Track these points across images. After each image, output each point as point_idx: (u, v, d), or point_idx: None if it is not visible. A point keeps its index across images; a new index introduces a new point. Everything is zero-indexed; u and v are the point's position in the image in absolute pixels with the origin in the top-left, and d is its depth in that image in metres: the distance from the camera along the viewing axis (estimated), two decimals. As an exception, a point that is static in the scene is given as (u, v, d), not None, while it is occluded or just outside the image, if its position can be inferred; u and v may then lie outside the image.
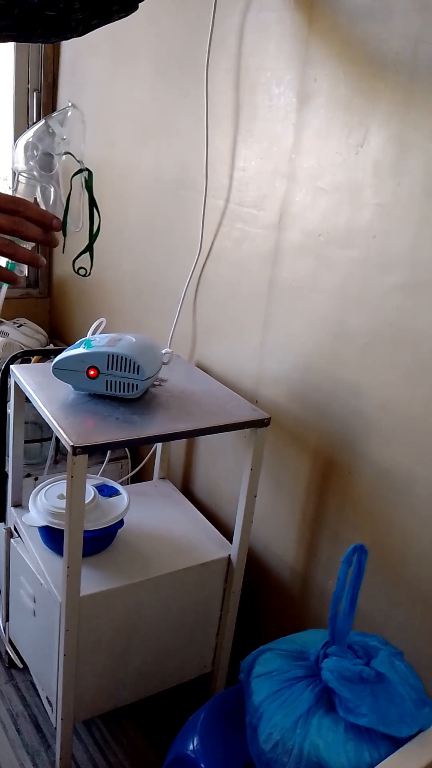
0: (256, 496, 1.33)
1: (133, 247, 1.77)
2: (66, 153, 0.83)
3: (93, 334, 1.37)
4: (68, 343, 2.18)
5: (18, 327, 2.09)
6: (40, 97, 2.05)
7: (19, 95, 2.04)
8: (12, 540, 1.47)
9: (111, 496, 1.42)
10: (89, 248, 0.90)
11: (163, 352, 1.44)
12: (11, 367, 1.41)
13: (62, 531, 1.25)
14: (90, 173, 0.87)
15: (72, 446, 1.09)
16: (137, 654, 1.39)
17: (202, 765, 0.92)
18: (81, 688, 1.31)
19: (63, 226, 0.80)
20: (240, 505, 1.34)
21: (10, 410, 1.50)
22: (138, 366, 1.24)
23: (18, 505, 1.53)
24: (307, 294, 1.28)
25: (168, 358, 1.44)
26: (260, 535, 1.48)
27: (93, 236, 0.90)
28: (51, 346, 2.12)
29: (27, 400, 1.34)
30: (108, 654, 1.35)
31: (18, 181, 0.78)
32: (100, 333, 1.38)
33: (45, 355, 1.85)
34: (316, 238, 1.24)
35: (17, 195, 0.76)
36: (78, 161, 0.86)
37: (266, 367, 1.41)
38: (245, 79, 1.35)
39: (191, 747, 0.95)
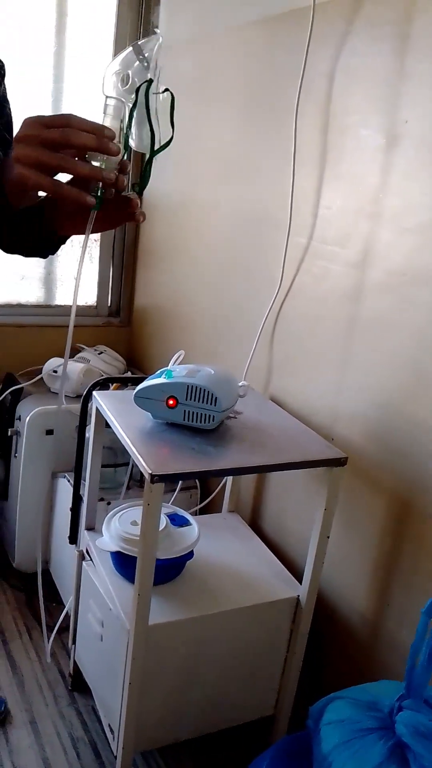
0: (328, 537, 1.31)
1: (212, 281, 1.81)
2: (149, 80, 0.83)
3: (173, 365, 1.40)
4: (145, 372, 2.24)
5: (98, 354, 2.16)
6: (131, 137, 2.15)
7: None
8: (84, 563, 1.50)
9: (182, 525, 1.44)
10: (150, 160, 0.82)
11: (240, 384, 1.45)
12: (93, 393, 1.46)
13: (134, 557, 1.26)
14: (172, 95, 0.84)
15: (150, 474, 1.11)
16: (200, 688, 1.38)
17: None
18: (143, 719, 1.31)
19: (125, 141, 0.78)
20: (312, 545, 1.31)
21: (89, 434, 1.55)
22: (215, 398, 1.26)
23: (91, 528, 1.56)
24: (389, 333, 1.27)
25: (244, 391, 1.45)
26: (329, 577, 1.45)
27: (155, 151, 0.83)
28: (129, 374, 2.18)
29: (106, 425, 1.38)
30: (172, 685, 1.34)
31: (106, 104, 0.78)
32: (179, 364, 1.41)
33: (123, 383, 1.90)
34: (400, 278, 1.23)
35: (106, 118, 0.76)
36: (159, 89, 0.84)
37: (343, 405, 1.40)
38: (333, 121, 1.37)
39: (255, 791, 0.93)
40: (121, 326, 2.32)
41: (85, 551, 1.53)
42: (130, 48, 0.83)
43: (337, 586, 1.44)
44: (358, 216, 1.32)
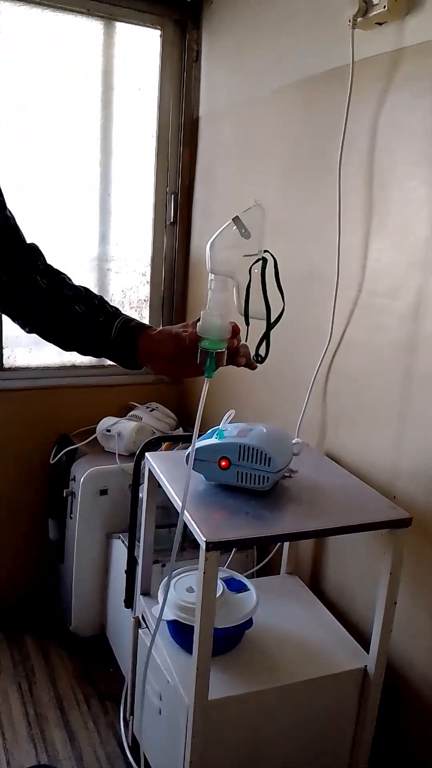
0: (395, 603, 1.23)
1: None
2: (249, 255, 0.91)
3: (224, 424, 1.38)
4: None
5: (150, 411, 2.17)
6: (178, 198, 2.20)
7: (159, 197, 2.20)
8: (140, 630, 1.47)
9: (239, 591, 1.38)
10: (267, 334, 0.94)
11: (294, 442, 1.41)
12: (146, 454, 1.44)
13: (190, 626, 1.22)
14: (275, 260, 0.92)
15: (205, 542, 1.07)
16: (265, 764, 1.30)
17: None
18: (205, 800, 1.24)
19: (245, 315, 0.91)
20: (378, 613, 1.24)
21: (142, 494, 1.53)
22: (269, 458, 1.22)
23: (146, 593, 1.53)
24: (449, 386, 1.21)
25: (299, 449, 1.41)
26: (399, 645, 1.36)
27: (272, 323, 0.94)
28: (180, 430, 2.17)
29: (159, 485, 1.36)
30: (234, 762, 1.27)
31: (211, 280, 0.89)
32: (230, 422, 1.38)
33: (175, 441, 1.89)
34: (457, 329, 1.18)
35: (214, 293, 0.90)
36: (260, 252, 0.93)
37: (404, 461, 1.34)
38: (378, 175, 1.36)
39: None
40: (172, 383, 2.32)
41: (141, 618, 1.49)
42: (231, 221, 0.91)
43: (408, 655, 1.35)
44: (408, 268, 1.29)
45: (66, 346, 1.06)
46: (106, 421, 2.05)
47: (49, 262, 1.06)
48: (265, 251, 0.92)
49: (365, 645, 1.32)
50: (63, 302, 1.01)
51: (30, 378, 2.15)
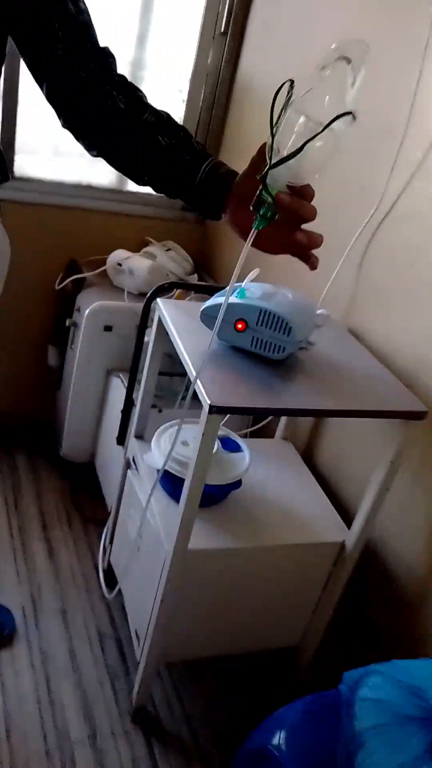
0: (388, 490, 1.21)
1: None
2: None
3: (247, 282, 1.27)
4: (213, 277, 2.10)
5: (167, 251, 2.03)
6: (233, 3, 1.88)
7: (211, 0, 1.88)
8: (129, 471, 1.47)
9: (233, 451, 1.37)
10: (264, 175, 0.74)
11: (318, 313, 1.32)
12: (158, 301, 1.35)
13: (181, 479, 1.21)
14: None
15: (210, 405, 1.02)
16: (230, 614, 1.36)
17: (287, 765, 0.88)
18: (170, 634, 1.31)
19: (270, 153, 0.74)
20: (368, 495, 1.23)
21: (148, 338, 1.46)
22: (290, 328, 1.13)
23: (140, 437, 1.51)
24: None
25: (322, 321, 1.32)
26: (382, 529, 1.37)
27: (272, 165, 0.73)
28: (195, 277, 2.05)
29: (167, 333, 1.28)
30: (203, 608, 1.33)
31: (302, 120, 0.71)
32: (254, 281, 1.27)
33: (189, 290, 1.78)
34: None
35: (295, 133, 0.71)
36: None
37: None
38: None
39: (276, 742, 0.91)
40: (196, 223, 2.15)
41: (131, 459, 1.49)
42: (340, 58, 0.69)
43: (389, 539, 1.37)
44: None
45: (138, 180, 0.93)
46: (119, 254, 1.93)
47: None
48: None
49: (348, 521, 1.33)
50: (144, 129, 0.88)
51: (42, 192, 1.97)
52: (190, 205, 0.92)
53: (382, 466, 1.19)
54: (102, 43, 0.92)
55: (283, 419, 1.62)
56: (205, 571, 1.28)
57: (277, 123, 0.71)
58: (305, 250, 0.83)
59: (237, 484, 1.33)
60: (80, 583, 1.70)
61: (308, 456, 1.61)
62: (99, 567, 1.72)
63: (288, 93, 0.70)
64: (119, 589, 1.57)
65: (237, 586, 1.33)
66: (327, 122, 0.68)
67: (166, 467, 1.29)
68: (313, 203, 0.79)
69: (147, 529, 1.33)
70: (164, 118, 0.90)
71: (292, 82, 0.70)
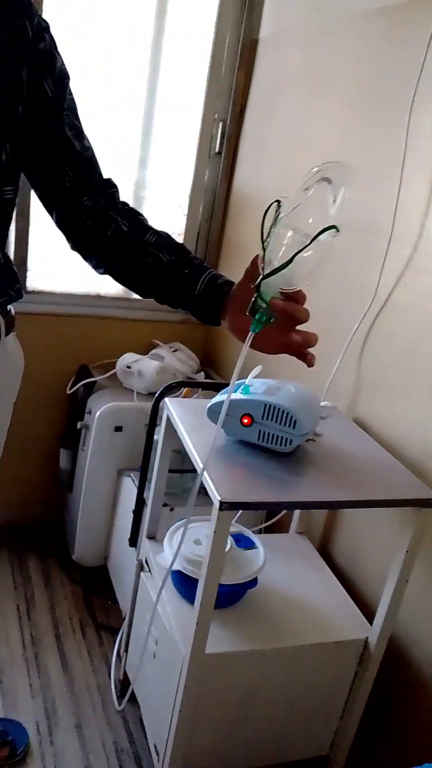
0: (407, 581, 1.19)
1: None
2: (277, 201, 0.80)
3: (250, 378, 1.31)
4: (219, 373, 2.16)
5: (173, 351, 2.10)
6: (226, 126, 2.06)
7: (206, 123, 2.06)
8: (142, 573, 1.45)
9: (247, 548, 1.35)
10: (258, 284, 0.81)
11: (322, 405, 1.35)
12: (166, 400, 1.39)
13: (195, 579, 1.20)
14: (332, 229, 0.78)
15: (220, 501, 1.03)
16: (254, 721, 1.30)
17: None
18: (191, 746, 1.25)
19: (263, 264, 0.81)
20: (388, 588, 1.20)
21: (158, 437, 1.48)
22: (295, 420, 1.16)
23: (152, 537, 1.50)
24: None
25: (327, 413, 1.35)
26: (405, 623, 1.32)
27: (264, 275, 0.80)
28: (202, 375, 2.11)
29: (176, 431, 1.31)
30: (224, 717, 1.27)
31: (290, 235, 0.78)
32: (257, 377, 1.31)
33: (197, 387, 1.83)
34: None
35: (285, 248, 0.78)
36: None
37: (436, 438, 1.26)
38: (453, 121, 1.23)
39: None
40: (199, 324, 2.23)
41: (144, 561, 1.47)
42: (322, 179, 0.78)
43: (413, 633, 1.32)
44: (472, 230, 1.18)
45: (143, 293, 1.01)
46: (128, 357, 2.00)
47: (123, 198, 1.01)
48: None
49: (369, 616, 1.29)
50: (146, 248, 0.96)
51: (53, 303, 2.08)
52: (192, 313, 0.98)
53: (399, 556, 1.17)
54: (107, 169, 1.01)
55: (297, 513, 1.60)
56: (225, 675, 1.23)
57: (267, 238, 0.77)
58: (301, 349, 0.88)
59: (253, 582, 1.31)
60: (95, 696, 1.63)
61: (325, 549, 1.59)
62: (114, 678, 1.65)
63: (276, 211, 0.76)
64: (136, 701, 1.51)
65: (259, 690, 1.27)
66: (313, 235, 0.74)
67: (180, 568, 1.27)
68: (311, 302, 0.85)
69: (162, 633, 1.29)
70: (164, 237, 0.98)
71: (279, 202, 0.77)
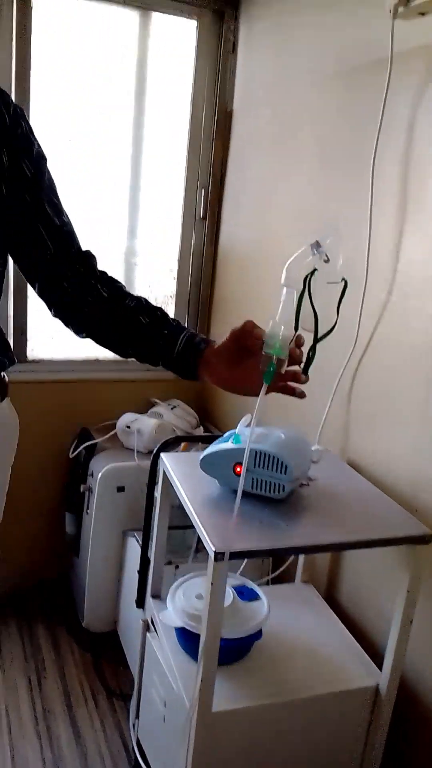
0: (412, 622, 1.18)
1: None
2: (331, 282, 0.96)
3: (240, 427, 1.34)
4: (217, 426, 2.18)
5: (171, 408, 2.14)
6: (208, 192, 2.16)
7: (189, 190, 2.16)
8: (148, 634, 1.44)
9: (251, 600, 1.34)
10: (314, 346, 0.97)
11: (313, 449, 1.36)
12: (162, 455, 1.41)
13: (198, 635, 1.19)
14: (345, 284, 0.96)
15: (214, 552, 1.03)
16: (269, 783, 1.26)
17: None
18: None
19: (296, 323, 0.93)
20: (393, 631, 1.19)
21: (158, 494, 1.50)
22: (285, 466, 1.18)
23: (157, 596, 1.50)
24: None
25: (318, 456, 1.36)
26: (414, 662, 1.30)
27: (320, 337, 0.97)
28: (201, 429, 2.13)
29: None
30: (237, 778, 1.23)
31: (284, 292, 0.93)
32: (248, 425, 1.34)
33: (194, 441, 1.85)
34: None
35: (283, 304, 0.92)
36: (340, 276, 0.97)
37: (428, 471, 1.27)
38: (414, 170, 1.30)
39: None
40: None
41: (149, 621, 1.46)
42: (309, 243, 0.94)
43: (423, 672, 1.29)
44: (442, 270, 1.22)
45: (124, 354, 1.07)
46: (127, 417, 2.03)
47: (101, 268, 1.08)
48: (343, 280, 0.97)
49: (378, 659, 1.27)
50: (126, 313, 1.03)
51: (53, 371, 2.14)
52: (171, 370, 1.04)
53: (401, 597, 1.17)
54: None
55: (301, 561, 1.59)
56: (234, 733, 1.20)
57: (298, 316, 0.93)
58: (293, 389, 0.96)
59: (258, 634, 1.29)
60: (108, 765, 1.58)
61: (331, 596, 1.57)
62: (128, 744, 1.61)
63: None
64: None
65: (271, 747, 1.24)
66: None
67: (182, 624, 1.27)
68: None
69: (169, 694, 1.27)
70: (143, 301, 1.04)
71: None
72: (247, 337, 0.93)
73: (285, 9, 1.78)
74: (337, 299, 0.97)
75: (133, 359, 1.06)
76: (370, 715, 1.26)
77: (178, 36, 2.05)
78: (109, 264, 2.09)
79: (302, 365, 0.96)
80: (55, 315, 1.08)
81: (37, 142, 1.04)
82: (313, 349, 0.93)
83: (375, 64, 1.38)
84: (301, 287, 0.94)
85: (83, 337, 1.08)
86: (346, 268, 0.98)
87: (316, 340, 0.93)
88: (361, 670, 1.29)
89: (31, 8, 1.85)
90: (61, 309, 1.07)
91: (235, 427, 1.30)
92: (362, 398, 1.47)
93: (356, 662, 1.31)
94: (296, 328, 0.93)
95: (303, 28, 1.69)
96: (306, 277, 0.94)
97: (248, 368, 0.94)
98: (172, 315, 2.25)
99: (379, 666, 1.26)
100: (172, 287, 2.24)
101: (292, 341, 0.92)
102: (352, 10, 1.49)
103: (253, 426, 1.01)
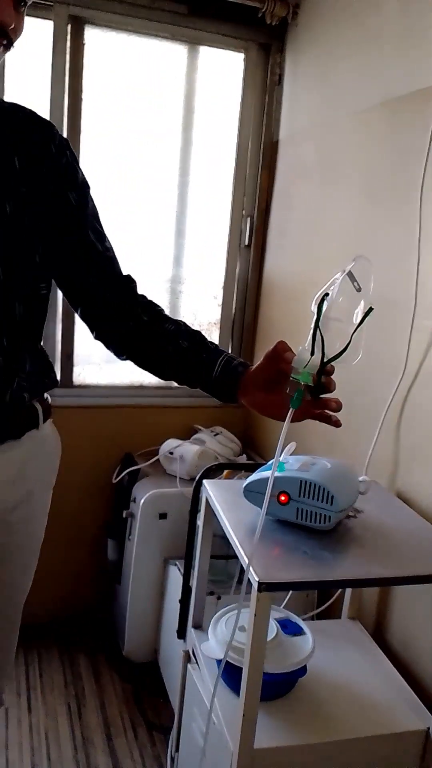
0: (465, 664, 1.12)
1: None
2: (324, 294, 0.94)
3: (285, 456, 1.32)
4: (260, 454, 2.16)
5: (214, 435, 2.13)
6: (253, 221, 2.18)
7: (234, 219, 2.18)
8: (189, 665, 1.41)
9: (295, 634, 1.31)
10: (320, 370, 0.91)
11: (360, 480, 1.33)
12: (204, 482, 1.40)
13: (241, 667, 1.16)
14: (369, 311, 0.95)
15: (258, 582, 1.01)
16: None
17: None
18: None
19: (311, 348, 0.91)
20: (444, 672, 1.13)
21: (200, 522, 1.48)
22: (332, 496, 1.15)
23: (198, 626, 1.47)
24: None
25: (365, 488, 1.33)
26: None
27: (327, 360, 0.91)
28: (244, 457, 2.11)
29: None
30: None
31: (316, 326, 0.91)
32: (293, 454, 1.32)
33: (236, 469, 1.84)
34: None
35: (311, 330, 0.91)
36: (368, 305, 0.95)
37: None
38: (463, 197, 1.28)
39: None
40: (238, 407, 2.27)
41: (190, 652, 1.44)
42: (342, 272, 0.95)
43: None
44: None
45: (164, 376, 1.09)
46: (170, 443, 2.03)
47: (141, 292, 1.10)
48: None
49: (429, 702, 1.21)
50: (166, 336, 1.04)
51: (98, 396, 2.16)
52: (209, 393, 1.04)
53: (453, 636, 1.12)
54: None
55: (347, 596, 1.55)
56: (277, 774, 1.16)
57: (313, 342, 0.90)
58: (329, 416, 0.94)
59: (302, 671, 1.25)
60: (148, 803, 1.55)
61: (379, 634, 1.51)
62: (167, 781, 1.57)
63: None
64: (189, 807, 1.43)
65: (315, 792, 1.19)
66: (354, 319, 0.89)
67: (224, 656, 1.24)
68: (340, 377, 0.92)
69: (211, 729, 1.24)
70: (182, 326, 1.06)
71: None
72: (279, 360, 0.92)
73: (330, 42, 1.80)
74: (367, 327, 0.95)
75: (175, 383, 1.07)
76: (420, 761, 1.20)
77: (225, 68, 2.09)
78: (155, 291, 2.16)
79: (313, 389, 0.92)
80: (97, 337, 1.10)
81: (81, 170, 1.07)
82: (320, 373, 0.89)
83: (420, 95, 1.37)
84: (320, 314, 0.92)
85: (123, 359, 1.10)
86: (386, 299, 0.97)
87: (323, 363, 0.89)
88: (410, 713, 1.23)
89: (84, 44, 1.92)
90: (102, 332, 1.09)
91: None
92: (412, 429, 1.43)
93: (406, 704, 1.26)
94: (312, 353, 0.91)
95: (348, 60, 1.70)
96: (319, 303, 0.93)
97: (282, 392, 0.93)
98: (216, 341, 2.28)
99: (431, 709, 1.20)
100: (216, 314, 2.25)
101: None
102: (397, 39, 1.49)
103: (278, 453, 0.97)
